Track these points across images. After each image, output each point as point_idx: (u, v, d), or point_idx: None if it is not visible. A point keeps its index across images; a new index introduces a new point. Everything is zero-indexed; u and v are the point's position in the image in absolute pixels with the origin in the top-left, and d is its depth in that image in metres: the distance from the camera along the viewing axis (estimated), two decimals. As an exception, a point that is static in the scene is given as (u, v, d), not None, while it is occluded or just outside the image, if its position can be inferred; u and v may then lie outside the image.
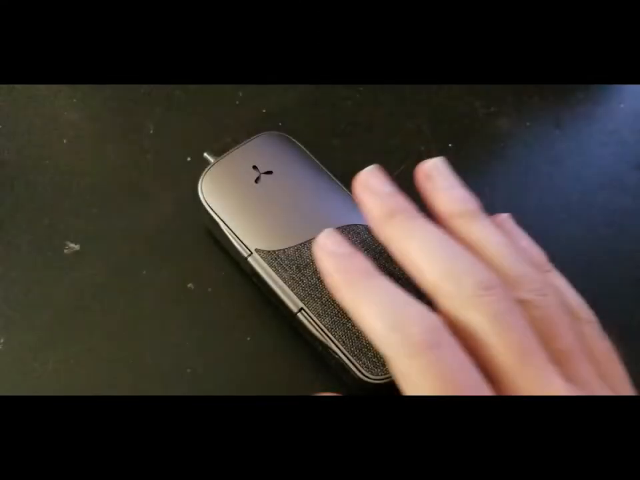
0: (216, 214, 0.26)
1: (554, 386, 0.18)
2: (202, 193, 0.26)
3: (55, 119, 0.31)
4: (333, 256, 0.20)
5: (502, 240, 0.21)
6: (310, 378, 0.25)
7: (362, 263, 0.20)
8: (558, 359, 0.19)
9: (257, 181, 0.26)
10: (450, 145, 0.32)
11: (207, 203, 0.26)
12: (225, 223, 0.25)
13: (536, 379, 0.18)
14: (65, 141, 0.30)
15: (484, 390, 0.17)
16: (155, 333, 0.26)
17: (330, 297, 0.24)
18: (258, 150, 0.27)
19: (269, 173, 0.27)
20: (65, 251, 0.27)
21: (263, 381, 0.25)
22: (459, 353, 0.18)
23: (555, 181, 0.32)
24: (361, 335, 0.23)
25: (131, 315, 0.26)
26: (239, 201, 0.26)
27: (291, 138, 0.28)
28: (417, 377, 0.17)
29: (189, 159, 0.30)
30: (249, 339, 0.26)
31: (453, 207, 0.22)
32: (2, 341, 0.25)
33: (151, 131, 0.31)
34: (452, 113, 0.33)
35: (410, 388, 0.18)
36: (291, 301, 0.24)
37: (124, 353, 0.25)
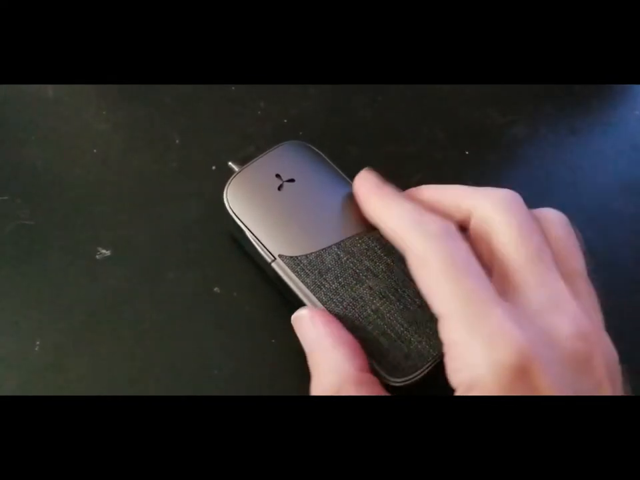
0: (241, 221, 0.26)
1: (557, 288, 0.20)
2: (227, 200, 0.27)
3: (85, 130, 0.32)
4: (369, 182, 0.25)
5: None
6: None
7: (392, 189, 0.24)
8: (566, 276, 0.21)
9: (279, 188, 0.27)
10: (467, 152, 0.33)
11: (232, 210, 0.27)
12: (249, 230, 0.26)
13: (542, 275, 0.20)
14: (94, 151, 0.32)
15: (483, 278, 0.20)
16: (182, 336, 0.27)
17: (351, 301, 0.24)
18: (280, 158, 0.28)
19: (291, 180, 0.27)
20: (97, 256, 0.28)
21: (287, 383, 0.26)
22: (467, 248, 0.21)
23: (571, 187, 0.32)
24: (381, 339, 0.24)
25: (159, 318, 0.27)
26: (262, 208, 0.27)
27: (312, 147, 0.29)
28: (430, 256, 0.20)
29: (213, 167, 0.31)
30: (273, 341, 0.27)
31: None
32: (38, 343, 0.26)
33: (177, 141, 0.32)
34: (468, 122, 0.34)
35: (420, 267, 0.21)
36: (313, 305, 0.25)
37: (153, 355, 0.26)
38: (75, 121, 0.33)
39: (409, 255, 0.21)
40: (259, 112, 0.33)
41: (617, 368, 0.20)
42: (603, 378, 0.19)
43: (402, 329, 0.24)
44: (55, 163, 0.31)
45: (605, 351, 0.20)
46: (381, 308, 0.24)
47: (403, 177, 0.32)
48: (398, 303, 0.24)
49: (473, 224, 0.23)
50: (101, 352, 0.26)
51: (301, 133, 0.33)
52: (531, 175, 0.32)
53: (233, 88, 0.34)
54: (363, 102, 0.34)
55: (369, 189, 0.24)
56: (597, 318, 0.21)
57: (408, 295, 0.24)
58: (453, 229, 0.21)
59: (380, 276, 0.25)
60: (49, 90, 0.33)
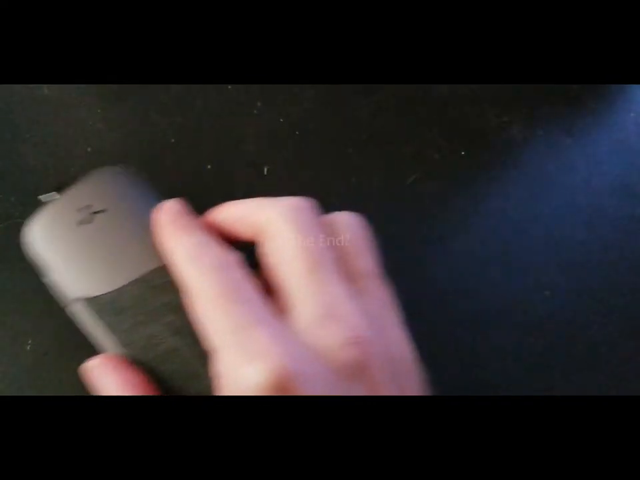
0: (39, 260, 0.24)
1: (334, 294, 0.20)
2: (28, 237, 0.24)
3: (80, 128, 0.32)
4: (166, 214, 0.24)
5: None
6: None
7: (187, 220, 0.24)
8: (351, 280, 0.21)
9: (87, 221, 0.24)
10: (463, 153, 0.33)
11: (31, 250, 0.24)
12: (46, 270, 0.24)
13: (319, 284, 0.20)
14: (89, 149, 0.31)
15: (253, 302, 0.20)
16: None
17: (146, 342, 0.23)
18: (92, 188, 0.25)
19: (101, 212, 0.25)
20: (91, 255, 0.28)
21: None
22: (241, 276, 0.21)
23: (566, 188, 0.32)
24: (175, 377, 0.23)
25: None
26: (64, 245, 0.24)
27: (130, 173, 0.27)
28: (201, 290, 0.20)
29: (209, 166, 0.31)
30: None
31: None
32: (30, 342, 0.26)
33: (172, 140, 0.32)
34: (465, 122, 0.34)
35: (194, 302, 0.21)
36: (109, 348, 0.23)
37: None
38: (69, 119, 0.33)
39: (186, 291, 0.21)
40: (255, 111, 0.33)
41: (405, 367, 0.20)
42: (382, 380, 0.19)
43: (195, 364, 0.23)
44: (49, 162, 0.31)
45: (386, 352, 0.20)
46: (177, 344, 0.23)
47: (399, 177, 0.32)
48: (192, 337, 0.23)
49: (261, 238, 0.23)
50: (94, 352, 0.26)
51: (297, 133, 0.33)
52: (526, 176, 0.32)
53: (229, 87, 0.34)
54: (360, 103, 0.34)
55: (163, 221, 0.24)
56: (384, 318, 0.21)
57: None
58: (229, 259, 0.21)
59: (177, 310, 0.23)
60: (44, 88, 0.33)
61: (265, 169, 0.31)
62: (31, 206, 0.29)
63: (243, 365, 0.18)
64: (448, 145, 0.33)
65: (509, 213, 0.31)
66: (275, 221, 0.22)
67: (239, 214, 0.24)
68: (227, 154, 0.30)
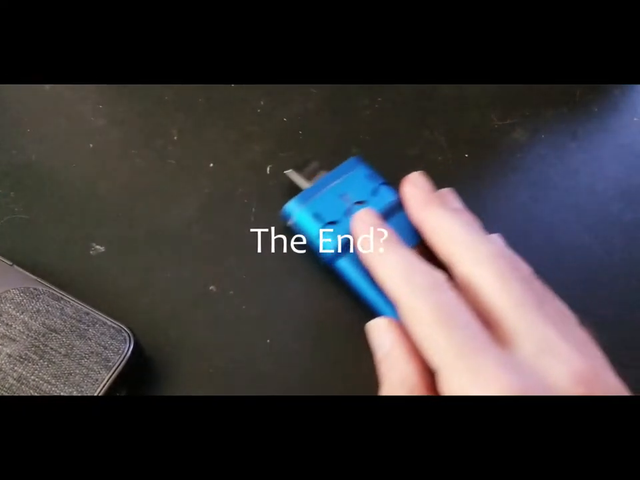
0: None
1: (547, 329, 0.20)
2: None
3: (82, 124, 0.32)
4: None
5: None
6: (327, 380, 0.26)
7: (391, 234, 0.25)
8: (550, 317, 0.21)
9: None
10: (466, 155, 0.33)
11: None
12: None
13: (532, 323, 0.20)
14: (91, 146, 0.31)
15: (474, 326, 0.20)
16: (177, 335, 0.26)
17: None
18: None
19: None
20: (91, 252, 0.28)
21: (281, 381, 0.26)
22: (457, 298, 0.21)
23: (570, 192, 0.32)
24: None
25: (153, 317, 0.27)
26: None
27: None
28: (419, 310, 0.21)
29: (211, 165, 0.31)
30: (268, 341, 0.26)
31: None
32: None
33: (175, 137, 0.32)
34: (468, 124, 0.34)
35: (412, 321, 0.21)
36: None
37: (147, 354, 0.26)
38: (71, 115, 0.32)
39: (400, 308, 0.22)
40: (259, 110, 0.33)
41: None
42: None
43: (49, 386, 0.22)
44: (50, 157, 0.31)
45: (605, 390, 0.20)
46: (24, 373, 0.23)
47: (401, 178, 0.32)
48: (42, 361, 0.23)
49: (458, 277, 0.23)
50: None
51: (300, 132, 0.32)
52: (529, 179, 0.32)
53: (233, 85, 0.34)
54: (363, 103, 0.34)
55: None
56: (595, 355, 0.21)
57: (51, 348, 0.23)
58: (442, 280, 0.22)
59: (17, 338, 0.23)
60: (45, 84, 0.33)
61: (268, 169, 0.31)
62: (31, 201, 0.29)
63: (475, 392, 0.18)
64: (451, 147, 0.33)
65: (512, 216, 0.31)
66: (472, 264, 0.22)
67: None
68: (230, 153, 0.30)
